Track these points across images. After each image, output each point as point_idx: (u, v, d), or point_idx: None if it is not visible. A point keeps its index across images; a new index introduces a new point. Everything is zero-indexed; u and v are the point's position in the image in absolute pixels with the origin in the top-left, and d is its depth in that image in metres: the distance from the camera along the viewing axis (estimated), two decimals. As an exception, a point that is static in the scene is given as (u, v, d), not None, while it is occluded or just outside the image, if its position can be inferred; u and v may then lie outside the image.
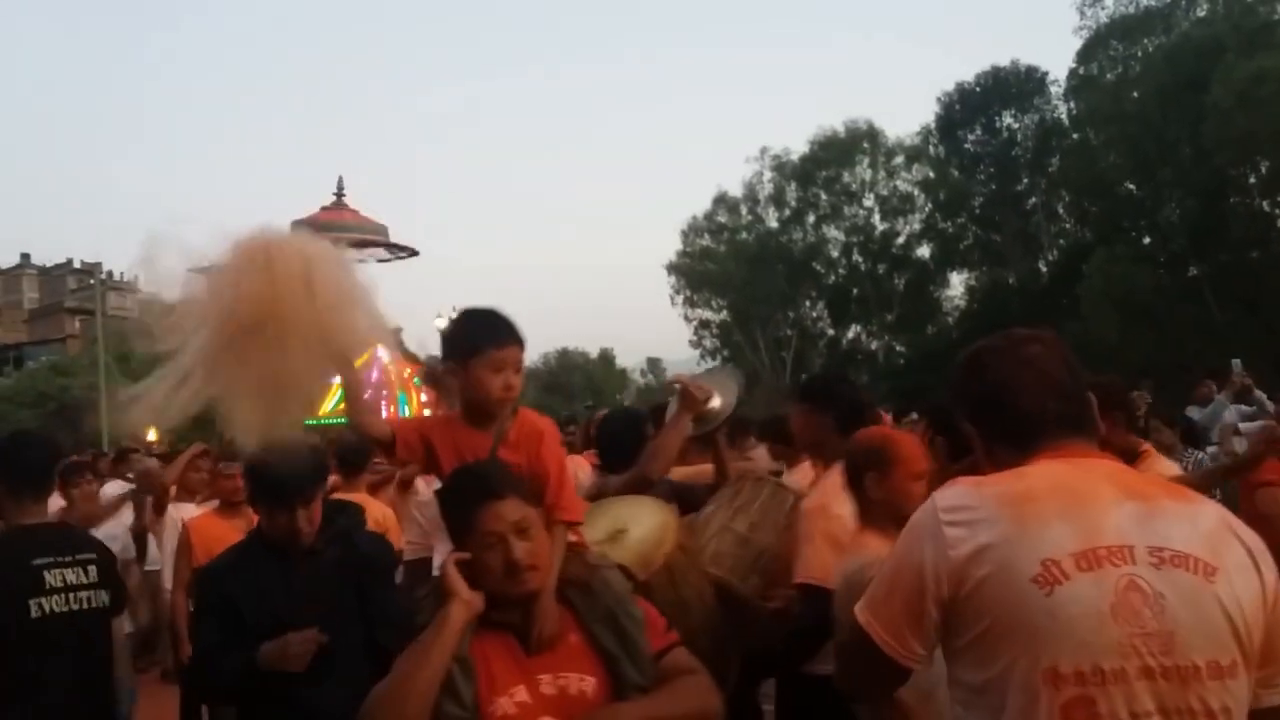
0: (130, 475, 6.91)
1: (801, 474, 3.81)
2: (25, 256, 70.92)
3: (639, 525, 2.61)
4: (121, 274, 63.94)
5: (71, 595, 2.98)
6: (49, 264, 68.79)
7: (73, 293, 62.09)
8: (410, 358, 20.68)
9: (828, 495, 2.74)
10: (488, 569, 1.72)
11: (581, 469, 5.13)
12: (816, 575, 2.59)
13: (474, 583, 1.73)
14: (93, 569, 3.07)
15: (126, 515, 5.82)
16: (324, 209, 21.80)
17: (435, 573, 3.25)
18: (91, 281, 41.09)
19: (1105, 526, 1.40)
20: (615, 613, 1.80)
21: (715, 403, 3.14)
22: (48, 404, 31.96)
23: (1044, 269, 35.49)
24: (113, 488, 6.66)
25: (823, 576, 2.53)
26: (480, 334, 2.14)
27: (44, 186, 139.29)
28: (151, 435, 11.50)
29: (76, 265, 63.46)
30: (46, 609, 2.92)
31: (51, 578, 2.95)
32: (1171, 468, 3.54)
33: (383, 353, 19.10)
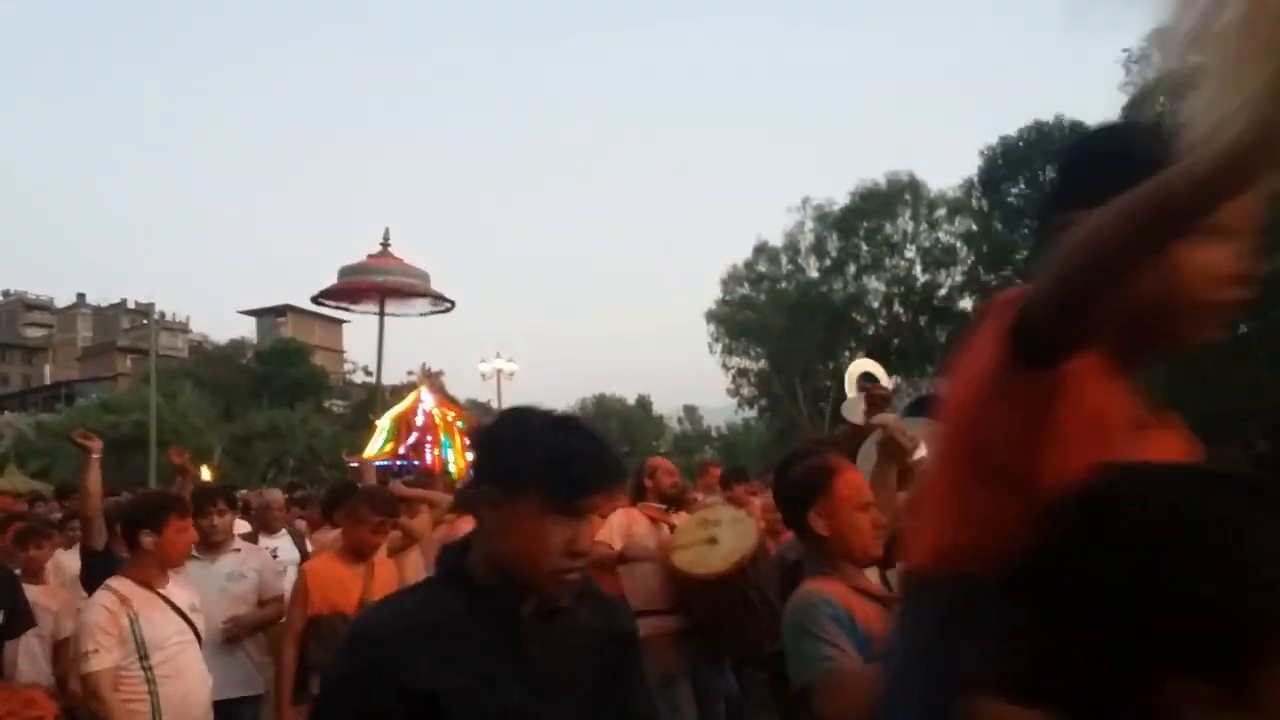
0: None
1: None
2: (81, 296, 73.20)
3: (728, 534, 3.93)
4: (173, 314, 65.80)
5: None
6: (104, 303, 70.82)
7: (126, 332, 63.78)
8: (452, 402, 21.15)
9: None
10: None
11: (638, 522, 5.00)
12: None
13: None
14: None
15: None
16: (371, 256, 22.68)
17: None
18: (145, 321, 42.19)
19: None
20: None
21: (921, 453, 2.71)
22: (96, 440, 32.64)
23: (1090, 324, 34.99)
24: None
25: None
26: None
27: (101, 228, 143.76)
28: (206, 474, 11.79)
29: (131, 305, 65.27)
30: None
31: None
32: None
33: (427, 397, 19.73)
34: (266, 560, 5.02)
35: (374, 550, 4.06)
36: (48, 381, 61.14)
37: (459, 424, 18.45)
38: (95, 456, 4.46)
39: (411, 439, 18.43)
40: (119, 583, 3.50)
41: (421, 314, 25.35)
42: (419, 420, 18.73)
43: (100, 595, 3.48)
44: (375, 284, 22.49)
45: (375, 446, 18.74)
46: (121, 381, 51.82)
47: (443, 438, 18.15)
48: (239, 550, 4.77)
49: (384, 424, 19.34)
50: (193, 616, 3.65)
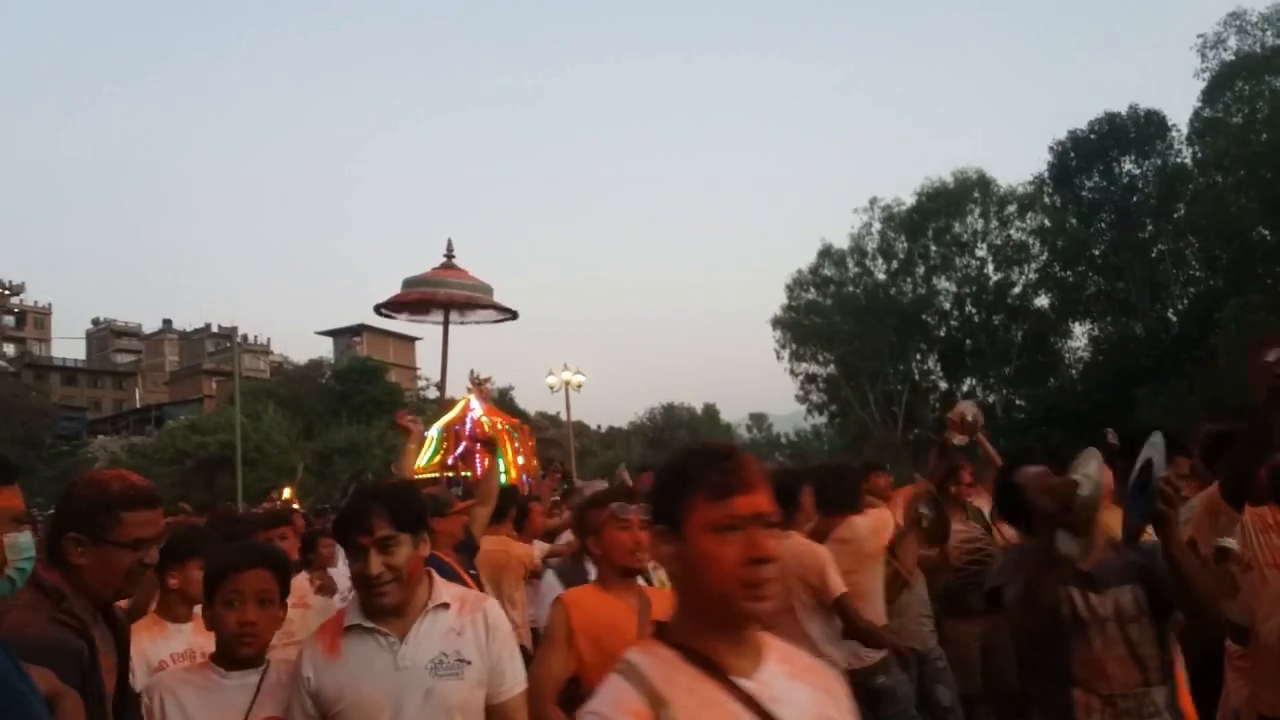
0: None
1: None
2: (167, 322, 76.10)
3: None
4: (255, 337, 67.97)
5: None
6: (189, 329, 73.50)
7: (210, 355, 66.08)
8: (510, 412, 20.55)
9: None
10: None
11: None
12: None
13: None
14: None
15: None
16: (434, 269, 23.18)
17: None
18: (228, 344, 43.64)
19: None
20: None
21: (1084, 491, 2.70)
22: (185, 461, 33.86)
23: (1173, 318, 33.84)
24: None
25: None
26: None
27: (185, 257, 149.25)
28: (286, 493, 12.10)
29: (214, 330, 67.63)
30: None
31: None
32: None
33: (476, 404, 19.35)
34: None
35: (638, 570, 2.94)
36: (138, 405, 63.58)
37: (511, 431, 18.51)
38: (413, 443, 4.35)
39: (460, 449, 18.49)
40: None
41: (481, 322, 25.45)
42: (465, 429, 18.75)
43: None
44: (437, 295, 22.74)
45: (424, 458, 19.14)
46: (208, 403, 53.67)
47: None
48: None
49: (433, 434, 19.81)
50: None
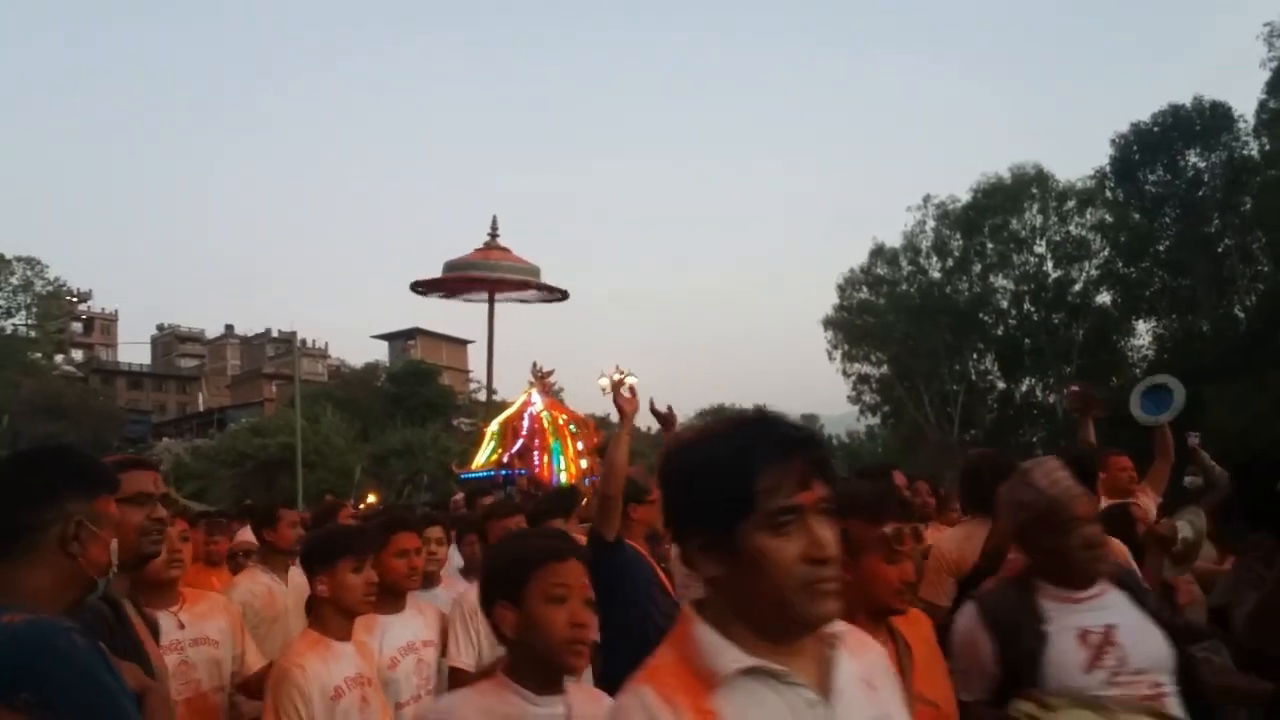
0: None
1: None
2: (229, 328, 77.88)
3: None
4: (313, 341, 69.25)
5: None
6: (250, 334, 75.13)
7: (270, 359, 67.47)
8: (562, 405, 18.51)
9: None
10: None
11: None
12: None
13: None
14: None
15: None
16: (478, 250, 21.23)
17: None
18: (288, 349, 44.48)
19: None
20: None
21: (1187, 533, 2.84)
22: (246, 463, 34.60)
23: (1241, 315, 32.72)
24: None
25: None
26: None
27: (245, 263, 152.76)
28: (371, 498, 12.08)
29: (274, 334, 69.05)
30: None
31: None
32: None
33: (537, 399, 17.99)
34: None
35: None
36: (201, 408, 65.16)
37: (571, 427, 16.88)
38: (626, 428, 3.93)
39: (517, 445, 16.77)
40: None
41: (528, 301, 23.21)
42: (525, 424, 16.92)
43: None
44: (485, 278, 20.75)
45: (483, 455, 17.42)
46: (268, 406, 54.86)
47: (552, 443, 16.54)
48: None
49: (492, 430, 17.83)
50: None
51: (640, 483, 4.15)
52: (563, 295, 23.14)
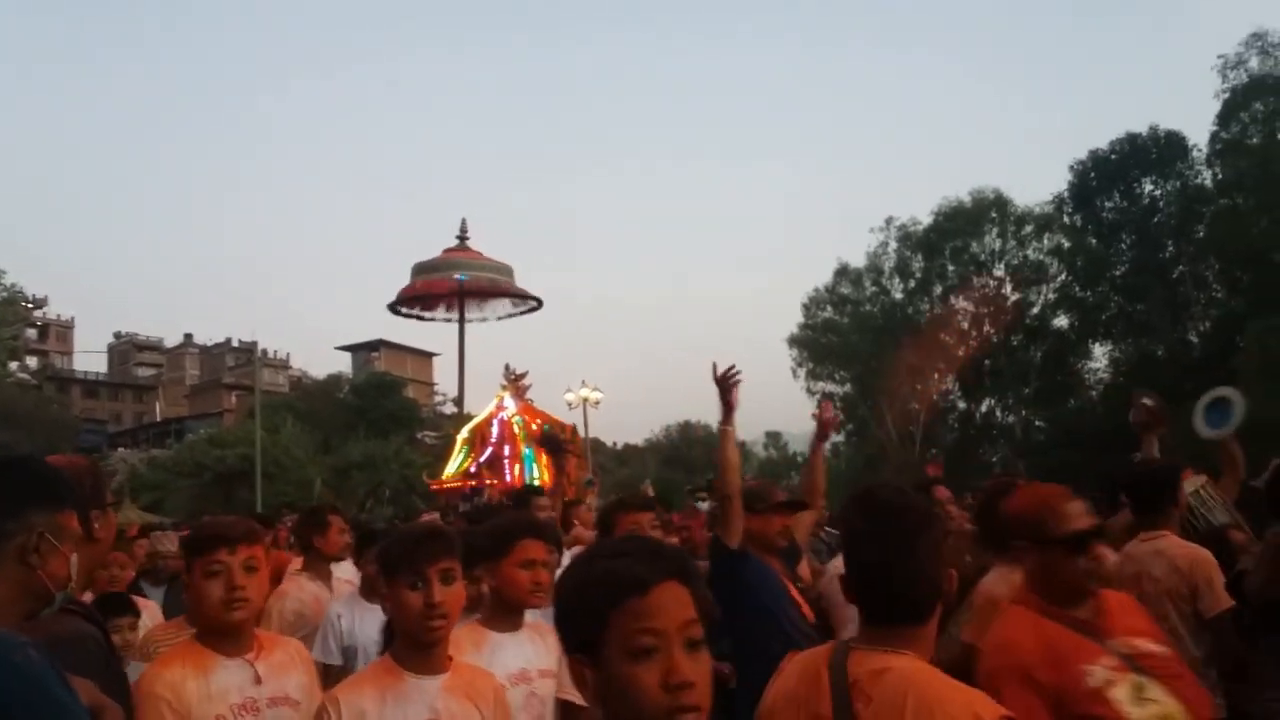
0: None
1: None
2: (188, 336, 76.80)
3: None
4: (274, 352, 68.46)
5: None
6: (209, 343, 74.09)
7: (230, 369, 66.56)
8: (537, 410, 16.99)
9: None
10: None
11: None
12: None
13: None
14: None
15: None
16: (447, 250, 20.08)
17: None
18: (248, 359, 43.93)
19: None
20: None
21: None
22: (204, 474, 34.06)
23: (1195, 340, 33.51)
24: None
25: None
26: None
27: (205, 271, 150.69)
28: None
29: (234, 344, 68.17)
30: None
31: None
32: None
33: (510, 403, 16.29)
34: None
35: None
36: (158, 418, 64.05)
37: (545, 429, 15.56)
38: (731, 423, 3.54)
39: (485, 455, 15.56)
40: None
41: (502, 317, 22.10)
42: (494, 431, 15.62)
43: None
44: (455, 283, 19.39)
45: (454, 465, 16.30)
46: (227, 417, 53.99)
47: (524, 450, 15.34)
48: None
49: (462, 437, 16.57)
50: None
51: (759, 489, 3.81)
52: (537, 303, 22.01)
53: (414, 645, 2.22)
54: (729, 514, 3.44)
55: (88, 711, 1.57)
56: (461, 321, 22.59)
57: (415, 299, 22.18)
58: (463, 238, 21.55)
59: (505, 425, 16.47)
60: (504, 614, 2.71)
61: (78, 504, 1.73)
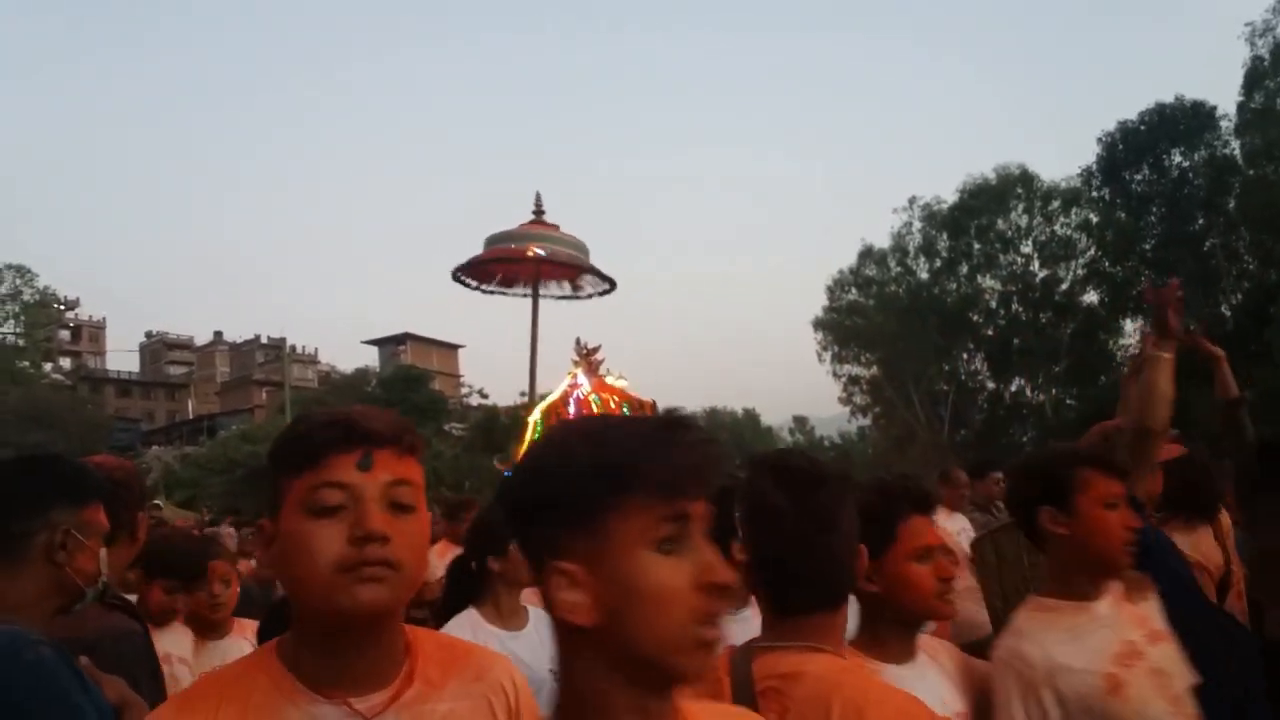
0: None
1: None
2: (218, 334, 77.68)
3: None
4: (303, 347, 69.15)
5: None
6: (239, 340, 74.91)
7: (260, 366, 67.30)
8: (612, 386, 17.62)
9: None
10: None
11: None
12: None
13: None
14: None
15: None
16: (523, 224, 19.87)
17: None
18: (277, 355, 44.36)
19: None
20: None
21: None
22: (236, 470, 34.47)
23: (1227, 313, 32.98)
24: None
25: None
26: None
27: (234, 270, 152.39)
28: None
29: (264, 341, 68.87)
30: None
31: None
32: None
33: (583, 380, 16.38)
34: None
35: None
36: (190, 416, 64.87)
37: (625, 409, 15.65)
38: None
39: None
40: None
41: (573, 297, 21.67)
42: (571, 410, 15.88)
43: None
44: (533, 256, 19.20)
45: (525, 448, 16.88)
46: (258, 413, 54.65)
47: None
48: None
49: (534, 419, 16.89)
50: None
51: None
52: (610, 285, 21.24)
53: None
54: (1144, 452, 2.82)
55: (111, 709, 1.58)
56: (535, 297, 21.93)
57: (485, 269, 21.25)
58: (539, 211, 20.87)
59: (583, 403, 16.50)
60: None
61: (130, 505, 1.75)
